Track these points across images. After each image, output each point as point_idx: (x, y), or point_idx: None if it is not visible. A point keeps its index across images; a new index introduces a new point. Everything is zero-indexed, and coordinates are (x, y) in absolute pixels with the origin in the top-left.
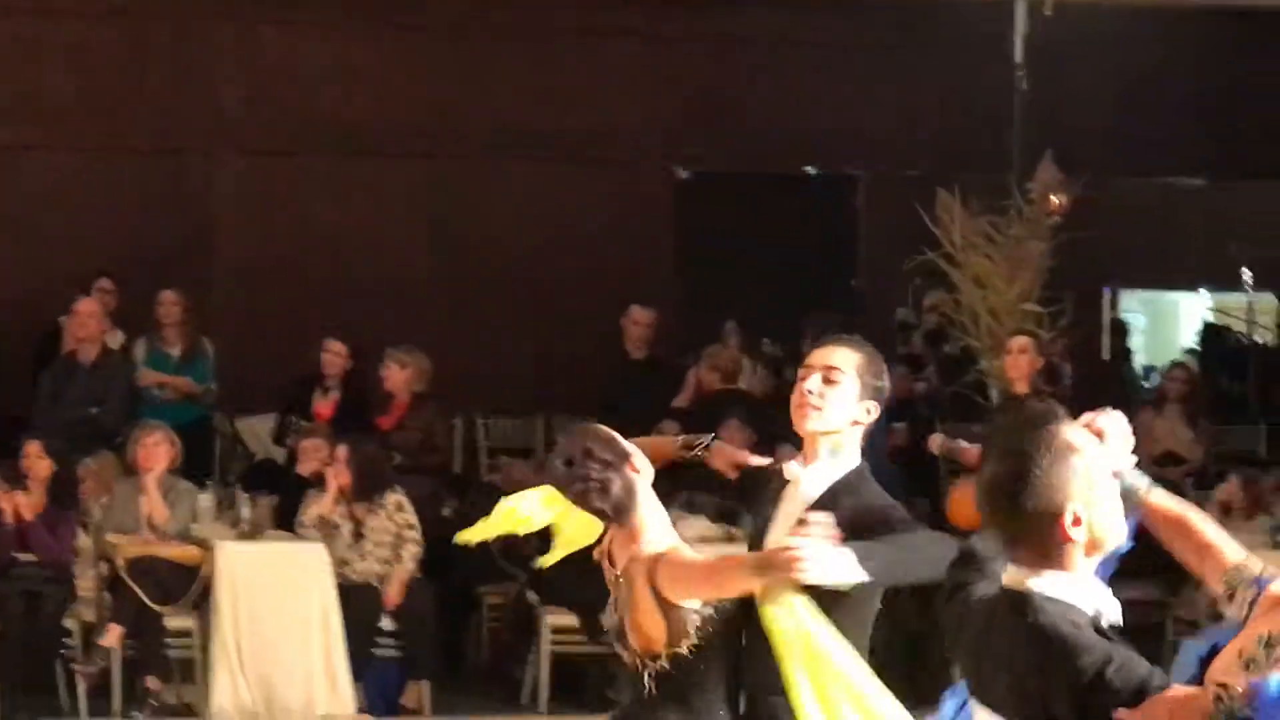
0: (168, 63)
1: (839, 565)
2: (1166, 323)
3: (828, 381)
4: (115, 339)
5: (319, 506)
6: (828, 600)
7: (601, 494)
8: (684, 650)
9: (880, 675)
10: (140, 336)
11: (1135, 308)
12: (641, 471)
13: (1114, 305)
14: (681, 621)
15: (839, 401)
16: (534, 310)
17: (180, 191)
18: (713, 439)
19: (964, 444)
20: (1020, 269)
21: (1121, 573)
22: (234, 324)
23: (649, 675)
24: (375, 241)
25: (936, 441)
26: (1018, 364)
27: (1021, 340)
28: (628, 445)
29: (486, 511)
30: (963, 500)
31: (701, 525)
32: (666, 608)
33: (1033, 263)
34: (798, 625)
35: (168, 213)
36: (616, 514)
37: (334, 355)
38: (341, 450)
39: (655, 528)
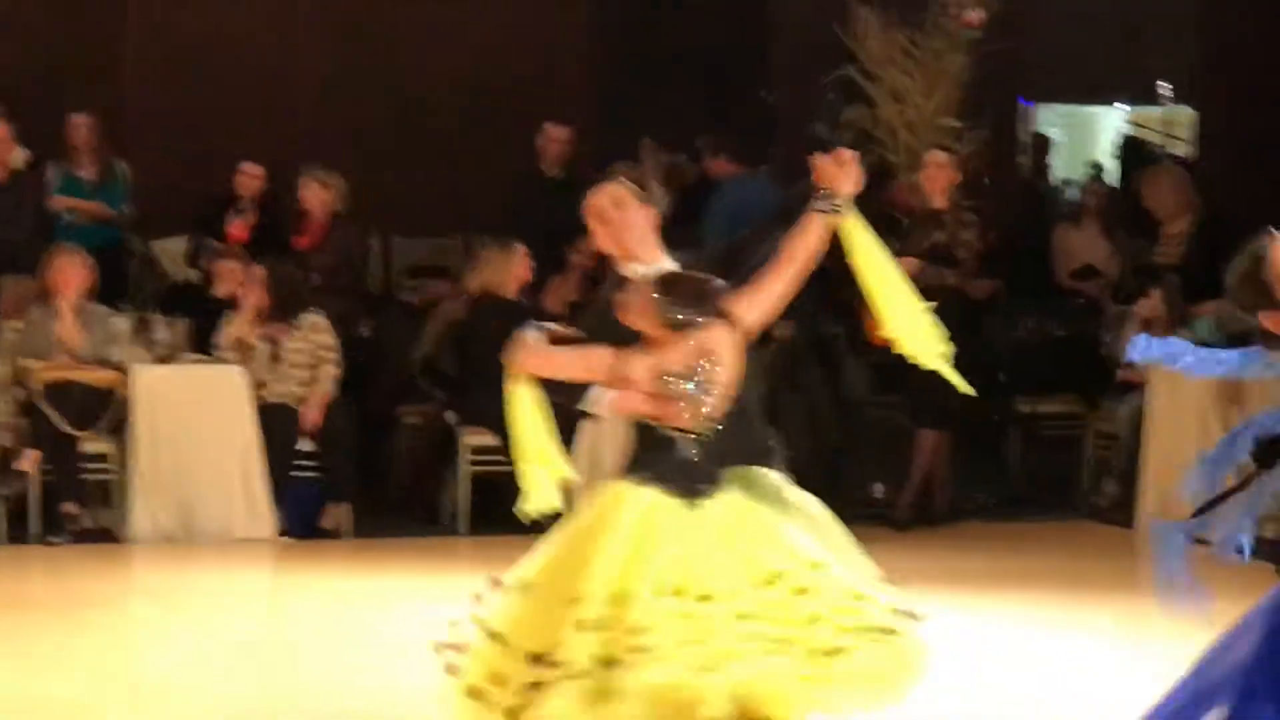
0: None
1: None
2: (1084, 137)
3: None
4: (18, 158)
5: (235, 328)
6: None
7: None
8: None
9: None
10: (50, 160)
11: (1053, 121)
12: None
13: (1031, 119)
14: None
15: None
16: (449, 128)
17: (89, 14)
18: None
19: None
20: (938, 83)
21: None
22: (147, 145)
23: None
24: (286, 60)
25: None
26: (935, 179)
27: (939, 155)
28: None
29: (402, 331)
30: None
31: None
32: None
33: (950, 77)
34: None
35: (74, 32)
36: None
37: (248, 177)
38: (258, 271)
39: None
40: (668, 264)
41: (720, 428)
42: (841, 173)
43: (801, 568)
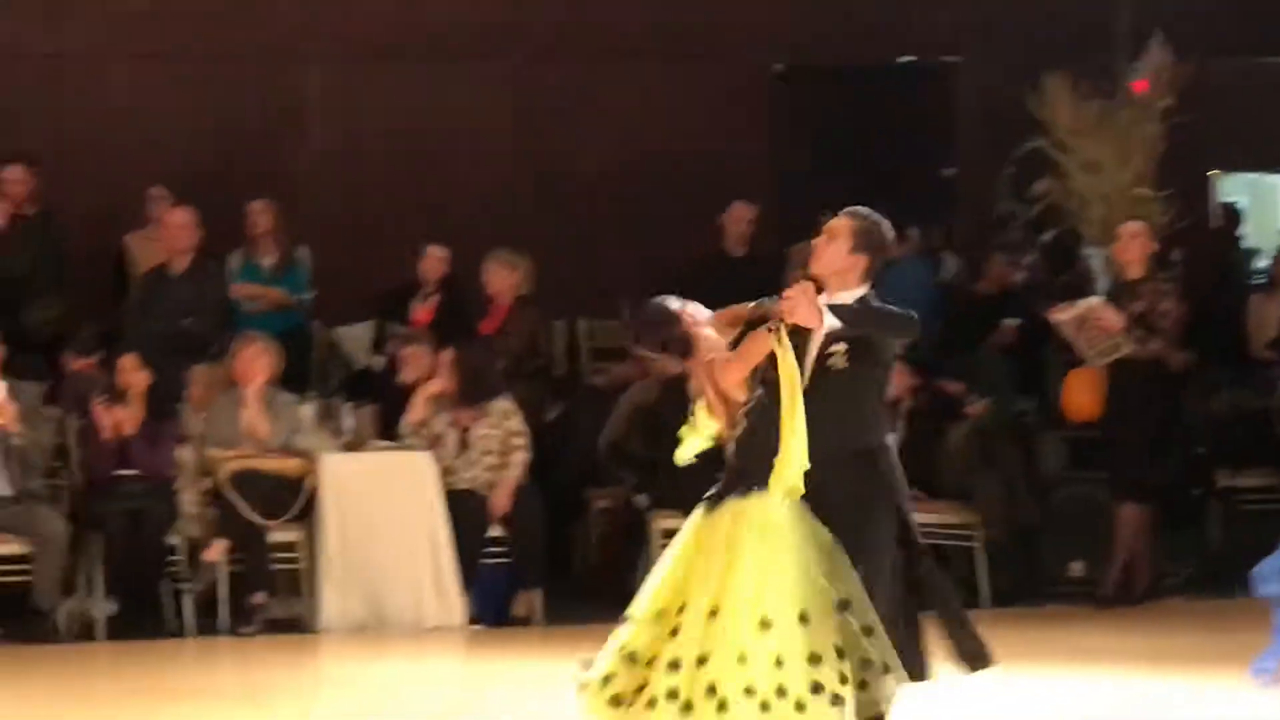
0: None
1: (814, 311)
2: (1268, 205)
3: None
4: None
5: (421, 413)
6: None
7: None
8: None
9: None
10: (232, 248)
11: (1239, 190)
12: (697, 320)
13: (1218, 189)
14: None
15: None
16: (631, 209)
17: (269, 101)
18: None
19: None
20: (1131, 154)
21: None
22: (328, 233)
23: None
24: (468, 145)
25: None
26: (1129, 249)
27: (1134, 225)
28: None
29: (590, 415)
30: (1076, 389)
31: None
32: (726, 402)
33: (1144, 147)
34: (788, 363)
35: (253, 117)
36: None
37: (434, 260)
38: (447, 355)
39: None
40: (842, 299)
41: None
42: (795, 302)
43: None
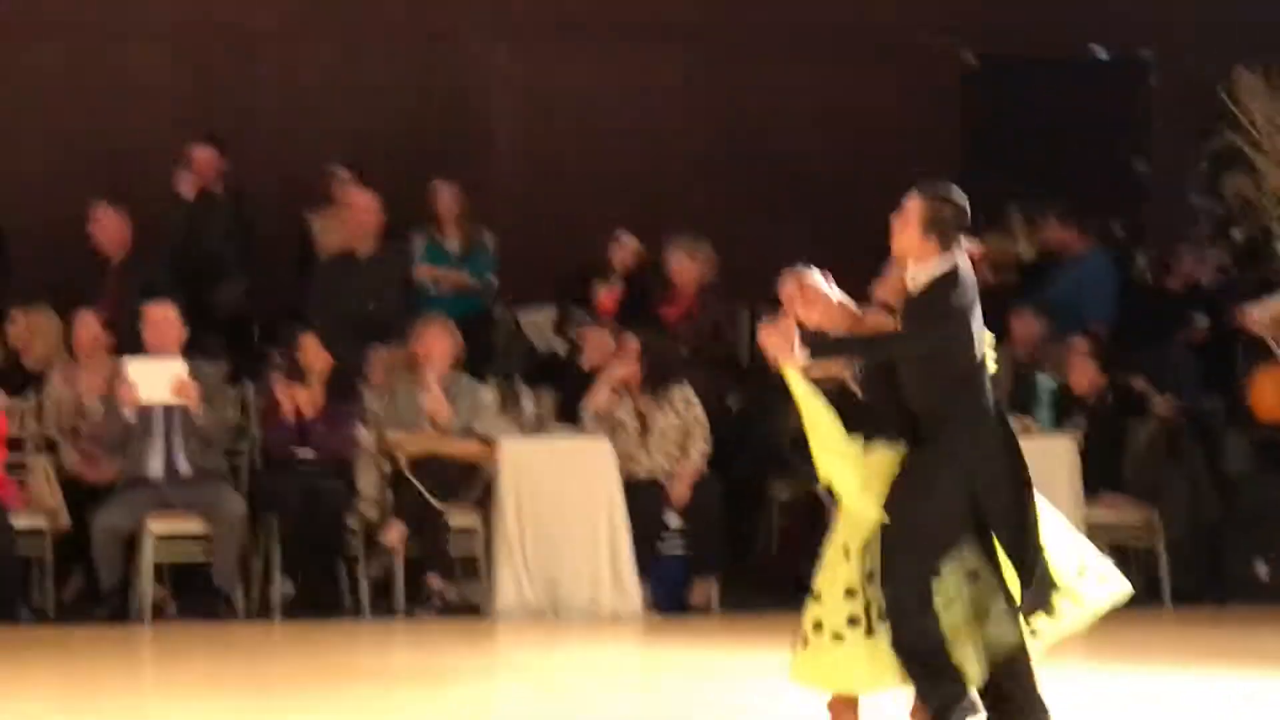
0: None
1: (785, 349)
2: None
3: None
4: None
5: (602, 400)
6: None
7: None
8: None
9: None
10: (415, 229)
11: None
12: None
13: None
14: None
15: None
16: (816, 199)
17: (456, 81)
18: None
19: None
20: None
21: None
22: (513, 215)
23: None
24: (655, 130)
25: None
26: None
27: None
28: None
29: (773, 404)
30: (1266, 389)
31: None
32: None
33: None
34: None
35: (442, 102)
36: None
37: (626, 249)
38: (630, 342)
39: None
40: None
41: None
42: (767, 340)
43: None
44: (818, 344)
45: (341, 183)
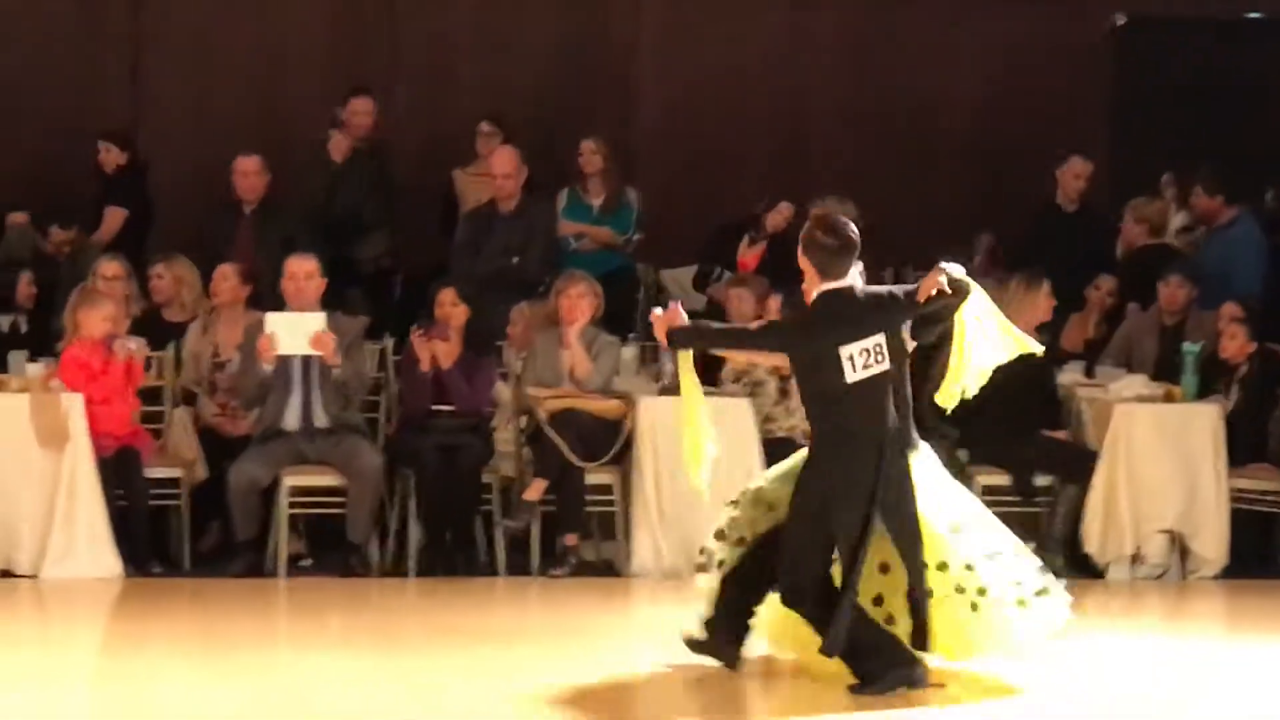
0: None
1: (661, 335)
2: None
3: None
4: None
5: (744, 361)
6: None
7: None
8: None
9: None
10: (563, 187)
11: None
12: None
13: None
14: None
15: None
16: (968, 159)
17: (601, 37)
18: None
19: None
20: None
21: None
22: (657, 174)
23: None
24: (800, 90)
25: None
26: None
27: None
28: None
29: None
30: None
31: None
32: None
33: None
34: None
35: (589, 58)
36: None
37: (779, 212)
38: (774, 301)
39: None
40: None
41: None
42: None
43: None
44: (681, 336)
45: (486, 137)
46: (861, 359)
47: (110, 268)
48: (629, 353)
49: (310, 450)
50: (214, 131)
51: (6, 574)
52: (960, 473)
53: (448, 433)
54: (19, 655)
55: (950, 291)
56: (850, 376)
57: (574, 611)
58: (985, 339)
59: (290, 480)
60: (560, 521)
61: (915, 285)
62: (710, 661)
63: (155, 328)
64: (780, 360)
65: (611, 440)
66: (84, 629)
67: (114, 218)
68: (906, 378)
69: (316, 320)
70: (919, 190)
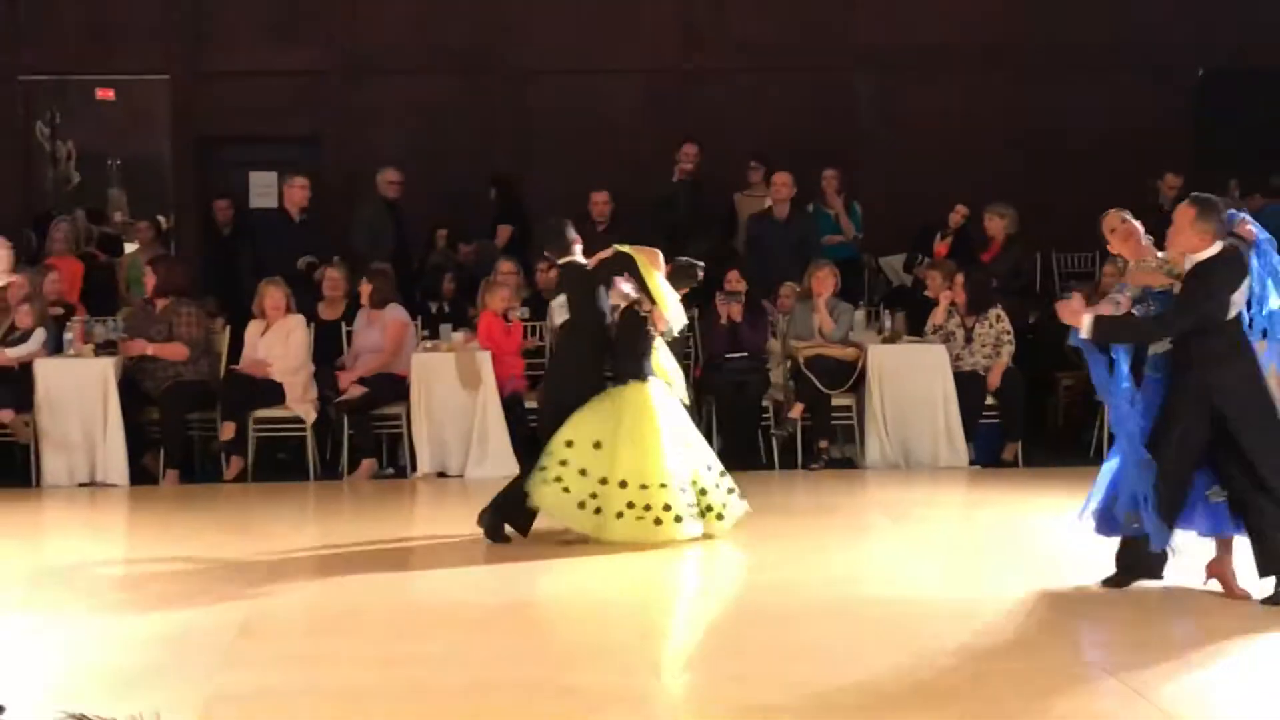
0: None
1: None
2: None
3: None
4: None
5: (939, 317)
6: None
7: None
8: None
9: None
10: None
11: None
12: None
13: None
14: None
15: None
16: (1088, 181)
17: (837, 99)
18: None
19: None
20: None
21: None
22: (876, 190)
23: None
24: (978, 130)
25: None
26: None
27: None
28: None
29: (1058, 321)
30: None
31: None
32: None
33: None
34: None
35: (827, 113)
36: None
37: (957, 212)
38: (959, 277)
39: None
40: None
41: None
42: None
43: None
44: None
45: (753, 170)
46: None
47: (506, 265)
48: (859, 315)
49: None
50: (572, 172)
51: (442, 474)
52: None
53: (737, 371)
54: (459, 527)
55: None
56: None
57: (827, 494)
58: None
59: None
60: (815, 431)
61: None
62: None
63: (538, 306)
64: None
65: (849, 374)
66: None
67: (504, 232)
68: None
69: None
70: (1058, 199)
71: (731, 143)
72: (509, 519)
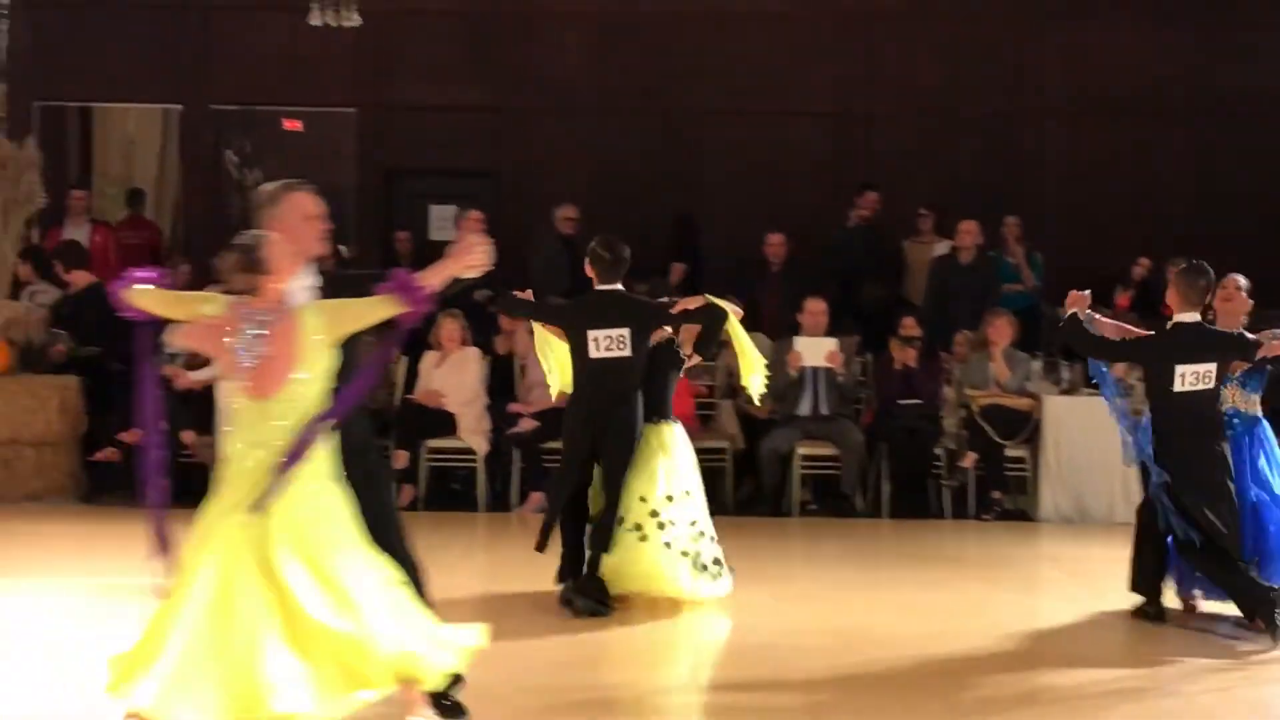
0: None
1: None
2: None
3: None
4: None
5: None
6: None
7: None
8: None
9: None
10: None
11: None
12: None
13: None
14: None
15: None
16: (1257, 227)
17: (1017, 149)
18: None
19: None
20: None
21: None
22: (1056, 241)
23: None
24: (1148, 180)
25: None
26: None
27: None
28: None
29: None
30: None
31: None
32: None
33: None
34: None
35: (1007, 165)
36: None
37: (1140, 265)
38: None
39: None
40: None
41: None
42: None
43: None
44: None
45: (923, 218)
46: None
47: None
48: (1036, 365)
49: (816, 429)
50: (743, 213)
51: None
52: None
53: (910, 418)
54: None
55: None
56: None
57: (997, 545)
58: None
59: (802, 450)
60: (988, 481)
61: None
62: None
63: None
64: None
65: (1024, 425)
66: None
67: (679, 270)
68: None
69: (830, 342)
70: (1230, 247)
71: (907, 189)
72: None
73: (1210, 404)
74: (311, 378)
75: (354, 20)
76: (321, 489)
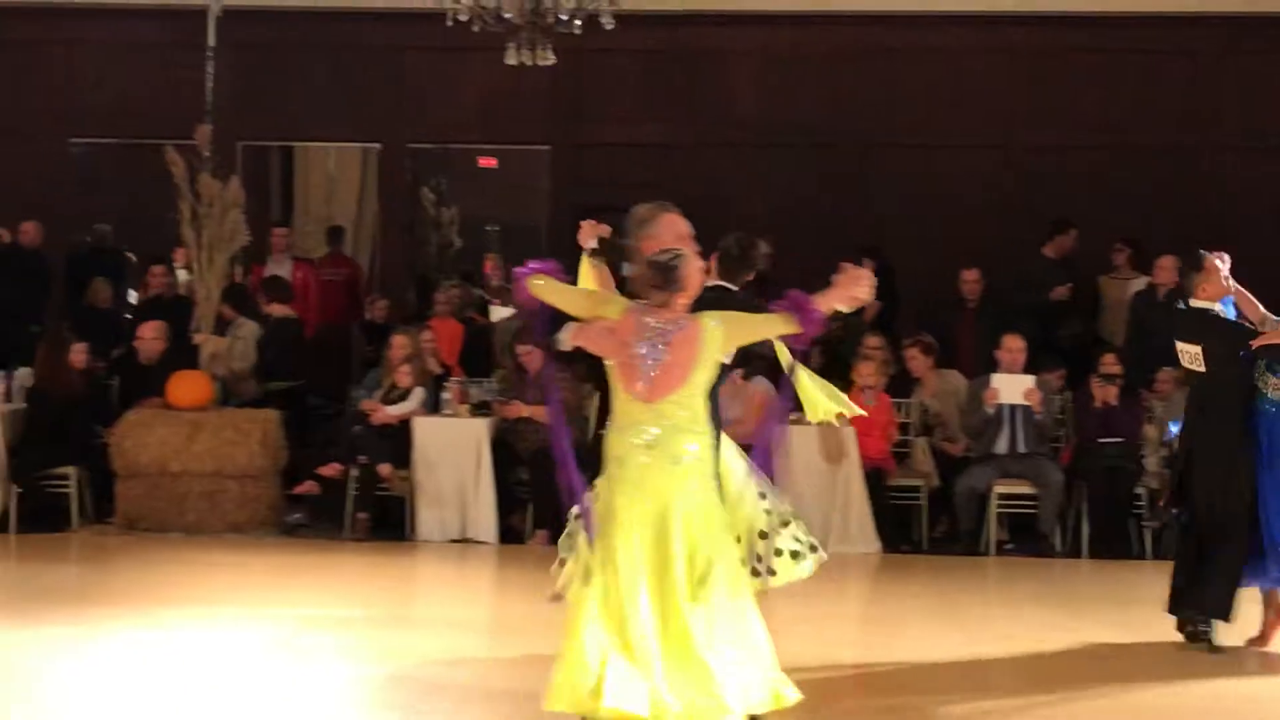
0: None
1: None
2: None
3: None
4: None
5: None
6: None
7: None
8: None
9: None
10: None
11: None
12: None
13: None
14: None
15: None
16: None
17: (1197, 183)
18: None
19: None
20: None
21: None
22: (1260, 275)
23: None
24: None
25: None
26: None
27: None
28: None
29: None
30: None
31: None
32: None
33: None
34: None
35: (1186, 198)
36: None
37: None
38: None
39: None
40: None
41: None
42: None
43: None
44: None
45: (1119, 253)
46: None
47: (872, 340)
48: None
49: (1013, 467)
50: (925, 248)
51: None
52: None
53: (1110, 456)
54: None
55: None
56: None
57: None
58: None
59: (999, 488)
60: None
61: None
62: None
63: (902, 384)
64: None
65: None
66: (853, 588)
67: (873, 306)
68: None
69: (1028, 380)
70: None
71: (1096, 224)
72: None
73: None
74: (702, 383)
75: (549, 59)
76: (715, 501)
